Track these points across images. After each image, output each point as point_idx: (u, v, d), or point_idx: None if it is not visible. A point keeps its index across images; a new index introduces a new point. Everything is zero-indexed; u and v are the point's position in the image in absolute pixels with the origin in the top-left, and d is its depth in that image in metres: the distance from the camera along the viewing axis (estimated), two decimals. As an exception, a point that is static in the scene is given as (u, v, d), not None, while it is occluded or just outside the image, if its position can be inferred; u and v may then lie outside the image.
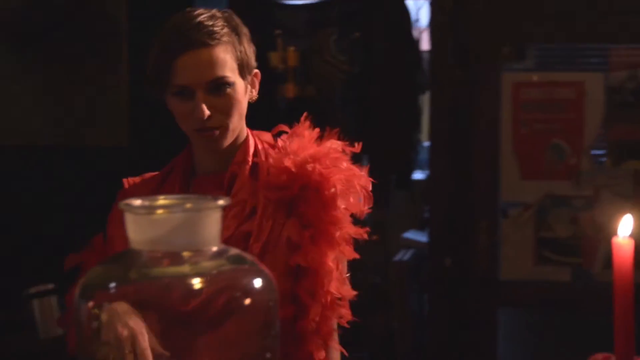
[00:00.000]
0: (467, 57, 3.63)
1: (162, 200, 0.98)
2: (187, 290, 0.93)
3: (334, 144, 1.76)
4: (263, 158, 1.78)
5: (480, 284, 3.70)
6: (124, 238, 1.04)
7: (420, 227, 4.10)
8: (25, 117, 3.74)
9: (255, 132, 1.86)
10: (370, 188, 1.77)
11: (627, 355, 0.95)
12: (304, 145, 1.75)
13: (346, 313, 1.74)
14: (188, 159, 1.84)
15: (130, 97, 3.64)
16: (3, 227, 3.72)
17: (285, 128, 1.82)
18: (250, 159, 1.78)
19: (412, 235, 4.06)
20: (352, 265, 1.81)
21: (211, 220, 0.96)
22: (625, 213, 1.04)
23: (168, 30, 1.74)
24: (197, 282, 0.94)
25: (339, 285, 1.71)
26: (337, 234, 1.69)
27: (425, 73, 3.75)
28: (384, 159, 3.70)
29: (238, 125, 1.78)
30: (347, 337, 1.82)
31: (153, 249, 0.95)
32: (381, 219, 3.85)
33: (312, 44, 3.57)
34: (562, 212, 3.69)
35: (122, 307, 1.23)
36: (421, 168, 4.20)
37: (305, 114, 1.81)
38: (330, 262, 1.69)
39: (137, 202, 0.96)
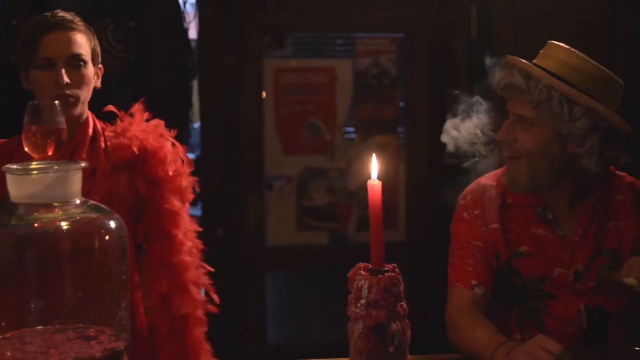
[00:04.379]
0: (233, 45, 3.93)
1: (35, 164, 1.25)
2: (59, 231, 1.22)
3: (159, 124, 2.16)
4: (101, 132, 2.13)
5: (250, 250, 4.03)
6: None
7: (193, 203, 4.35)
8: None
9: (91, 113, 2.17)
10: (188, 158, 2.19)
11: (380, 262, 1.35)
12: (134, 123, 2.13)
13: None
14: None
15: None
16: None
17: (113, 109, 2.14)
18: (90, 131, 2.11)
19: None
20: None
21: (75, 178, 1.25)
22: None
23: (36, 18, 2.08)
24: (65, 224, 1.23)
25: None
26: (181, 183, 2.14)
27: (195, 59, 3.98)
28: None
29: (85, 100, 2.09)
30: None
31: (30, 202, 1.23)
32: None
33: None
34: (319, 183, 4.12)
35: None
36: (192, 150, 4.46)
37: (142, 99, 2.17)
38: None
39: (15, 166, 1.24)
